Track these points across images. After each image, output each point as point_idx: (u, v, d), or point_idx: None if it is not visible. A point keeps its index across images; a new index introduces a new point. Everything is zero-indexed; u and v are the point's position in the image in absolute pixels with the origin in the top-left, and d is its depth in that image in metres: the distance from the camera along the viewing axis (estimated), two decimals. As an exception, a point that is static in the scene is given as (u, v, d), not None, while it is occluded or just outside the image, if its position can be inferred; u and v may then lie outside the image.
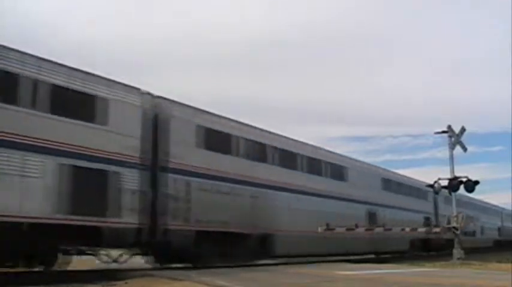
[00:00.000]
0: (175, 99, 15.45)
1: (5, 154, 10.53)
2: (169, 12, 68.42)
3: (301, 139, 21.90)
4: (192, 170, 15.06)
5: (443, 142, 20.97)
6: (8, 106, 10.86)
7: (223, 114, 17.08)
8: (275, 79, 77.54)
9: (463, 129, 20.86)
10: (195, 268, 14.19)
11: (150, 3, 66.12)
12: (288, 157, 20.13)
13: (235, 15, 70.53)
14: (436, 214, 33.49)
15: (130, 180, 13.05)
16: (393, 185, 29.40)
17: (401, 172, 33.47)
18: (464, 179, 20.03)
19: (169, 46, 70.44)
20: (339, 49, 78.39)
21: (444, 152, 20.92)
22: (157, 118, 14.43)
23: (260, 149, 18.50)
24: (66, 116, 11.86)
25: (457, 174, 20.16)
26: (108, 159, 12.59)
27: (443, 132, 20.77)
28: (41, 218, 11.00)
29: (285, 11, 69.55)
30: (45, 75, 11.59)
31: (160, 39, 67.60)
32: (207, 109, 16.61)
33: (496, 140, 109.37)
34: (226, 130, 16.90)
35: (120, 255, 13.63)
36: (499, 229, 49.96)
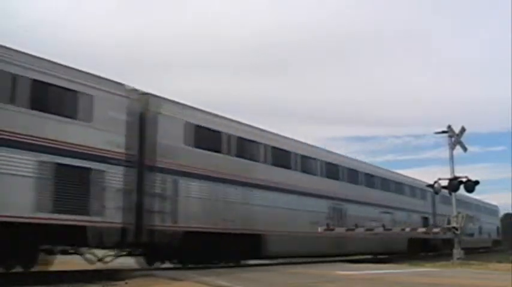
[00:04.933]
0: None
1: None
2: (169, 12, 68.44)
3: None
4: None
5: (446, 142, 20.91)
6: None
7: (219, 114, 16.35)
8: (275, 79, 77.60)
9: (463, 129, 20.81)
10: (195, 268, 14.25)
11: (150, 3, 66.16)
12: None
13: (235, 15, 70.57)
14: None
15: None
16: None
17: (403, 172, 33.79)
18: (464, 179, 20.00)
19: (168, 46, 70.44)
20: (339, 49, 78.45)
21: (447, 152, 20.82)
22: None
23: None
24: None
25: (460, 174, 20.14)
26: None
27: (443, 132, 20.72)
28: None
29: (285, 11, 69.61)
30: None
31: (160, 39, 67.62)
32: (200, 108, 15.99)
33: (498, 140, 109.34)
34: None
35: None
36: None
